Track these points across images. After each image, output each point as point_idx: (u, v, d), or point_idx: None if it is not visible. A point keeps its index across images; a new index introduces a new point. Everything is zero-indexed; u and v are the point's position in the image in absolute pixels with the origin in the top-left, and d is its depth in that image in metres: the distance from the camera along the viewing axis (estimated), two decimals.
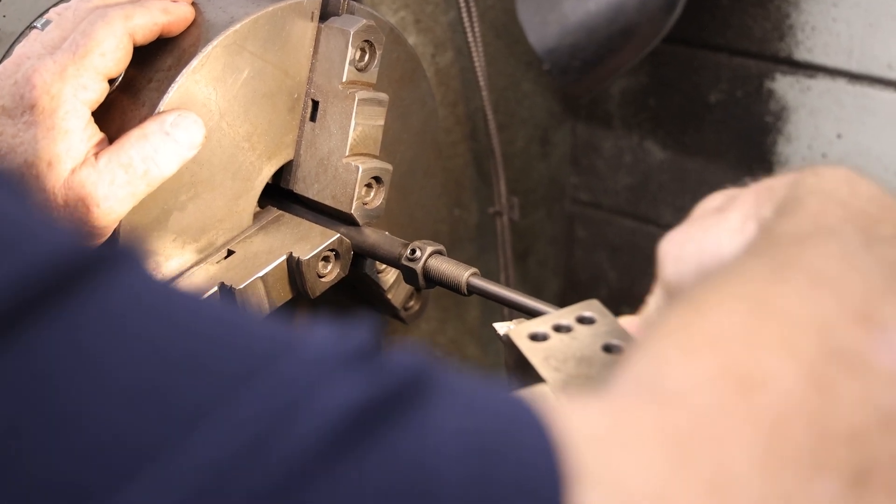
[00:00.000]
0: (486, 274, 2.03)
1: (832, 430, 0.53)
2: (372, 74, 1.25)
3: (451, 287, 1.18)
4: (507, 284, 1.85)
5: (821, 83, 1.79)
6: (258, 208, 1.26)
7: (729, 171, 1.95)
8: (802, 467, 0.52)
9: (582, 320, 0.96)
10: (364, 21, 1.21)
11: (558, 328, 0.95)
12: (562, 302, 2.31)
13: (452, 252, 1.95)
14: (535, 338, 0.94)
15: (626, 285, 2.19)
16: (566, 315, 0.97)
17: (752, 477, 0.51)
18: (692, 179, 2.01)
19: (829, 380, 0.55)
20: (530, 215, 2.01)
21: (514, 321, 1.12)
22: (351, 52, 1.21)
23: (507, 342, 0.96)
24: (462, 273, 1.17)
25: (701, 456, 0.51)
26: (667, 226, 2.16)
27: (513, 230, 1.90)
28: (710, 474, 0.51)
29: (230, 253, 1.21)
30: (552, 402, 0.83)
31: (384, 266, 1.30)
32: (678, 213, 2.05)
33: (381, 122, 1.25)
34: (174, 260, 1.17)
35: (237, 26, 1.15)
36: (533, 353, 0.92)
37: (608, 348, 0.91)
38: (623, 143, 2.06)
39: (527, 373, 0.95)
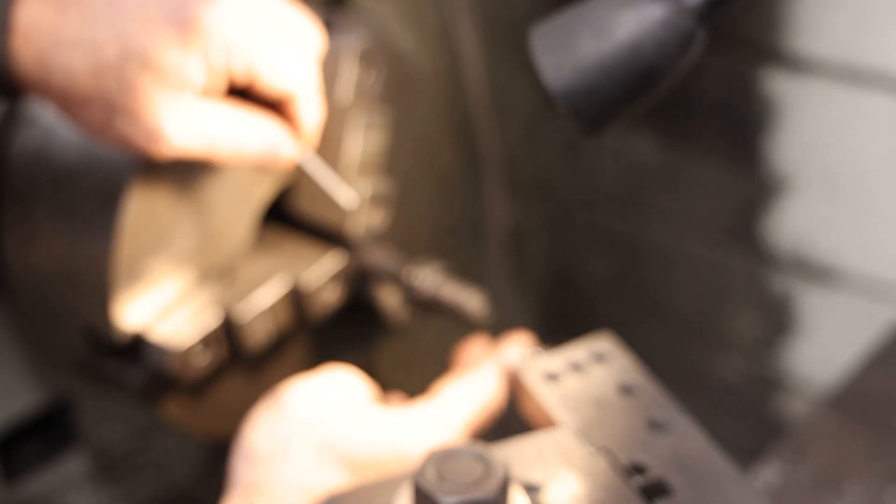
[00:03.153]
0: (478, 276, 2.04)
1: None
2: (373, 92, 1.23)
3: (457, 315, 1.17)
4: (504, 288, 1.85)
5: (812, 79, 1.79)
6: (259, 229, 1.24)
7: (717, 166, 1.94)
8: None
9: (594, 356, 0.95)
10: (364, 40, 1.20)
11: (570, 365, 0.94)
12: (550, 298, 2.32)
13: (443, 254, 1.95)
14: (550, 377, 0.94)
15: (616, 281, 2.19)
16: (578, 350, 0.96)
17: None
18: (681, 175, 2.00)
19: None
20: (520, 212, 2.00)
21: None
22: (351, 72, 1.20)
23: (518, 379, 0.95)
24: (466, 296, 1.16)
25: None
26: (653, 220, 2.16)
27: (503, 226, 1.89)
28: None
29: (229, 275, 1.20)
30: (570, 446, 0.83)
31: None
32: (665, 207, 2.06)
33: (383, 140, 1.24)
34: (175, 282, 1.16)
35: None
36: (546, 393, 0.91)
37: (623, 389, 0.91)
38: (611, 139, 2.05)
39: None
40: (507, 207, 1.85)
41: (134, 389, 1.15)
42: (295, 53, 1.01)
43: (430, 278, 1.19)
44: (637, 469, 0.83)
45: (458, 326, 1.85)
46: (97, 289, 1.08)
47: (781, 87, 1.82)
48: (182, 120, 0.96)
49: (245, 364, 1.25)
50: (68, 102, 0.95)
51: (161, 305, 1.14)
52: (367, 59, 1.20)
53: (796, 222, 1.90)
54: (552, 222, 2.24)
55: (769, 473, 1.28)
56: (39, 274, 1.15)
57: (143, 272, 1.12)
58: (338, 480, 0.92)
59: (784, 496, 1.24)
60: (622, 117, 1.05)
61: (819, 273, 1.91)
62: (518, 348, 1.07)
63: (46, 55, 0.92)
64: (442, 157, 1.85)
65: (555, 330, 2.32)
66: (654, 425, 0.87)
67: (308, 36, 1.03)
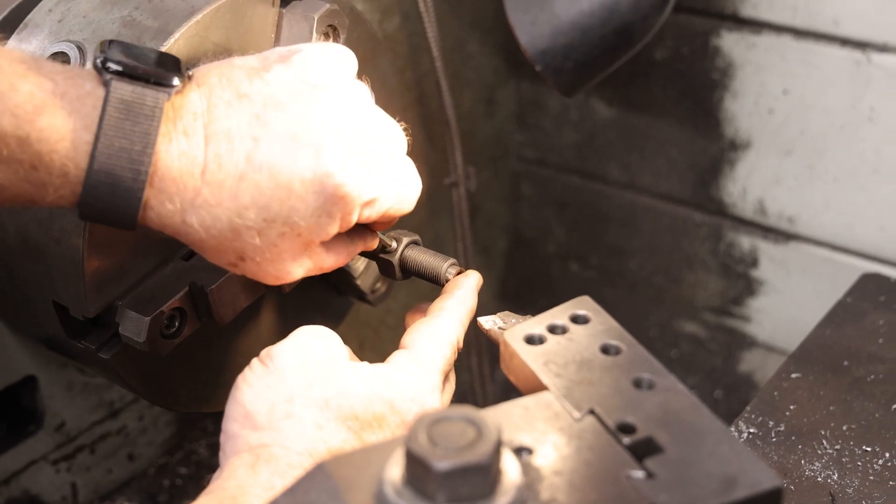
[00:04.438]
0: (438, 238, 2.03)
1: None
2: None
3: (429, 278, 1.16)
4: (465, 253, 1.84)
5: (766, 39, 1.79)
6: None
7: (675, 127, 1.95)
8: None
9: (576, 319, 0.95)
10: (327, 5, 1.18)
11: (553, 329, 0.94)
12: (509, 260, 2.31)
13: (403, 218, 1.94)
14: (531, 340, 0.93)
15: (573, 241, 2.19)
16: (559, 314, 0.96)
17: None
18: (638, 136, 2.00)
19: None
20: (477, 175, 1.99)
21: (498, 314, 1.11)
22: (315, 38, 1.18)
23: (503, 344, 0.95)
24: (441, 265, 1.15)
25: None
26: (613, 182, 2.16)
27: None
28: None
29: None
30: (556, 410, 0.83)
31: None
32: (624, 169, 2.06)
33: None
34: (142, 259, 1.14)
35: (198, 17, 1.11)
36: (532, 357, 0.91)
37: (606, 350, 0.91)
38: (569, 101, 2.05)
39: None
40: (471, 182, 1.84)
41: (105, 361, 1.13)
42: (411, 184, 1.08)
43: (400, 246, 1.17)
44: (626, 429, 0.82)
45: (424, 290, 1.84)
46: (69, 263, 1.06)
47: (737, 49, 1.82)
48: (305, 264, 1.01)
49: (214, 334, 1.24)
50: (201, 247, 0.97)
51: (131, 278, 1.12)
52: (327, 24, 1.19)
53: (755, 181, 1.91)
54: (510, 188, 2.23)
55: (743, 433, 1.29)
56: (6, 250, 1.12)
57: (114, 246, 1.10)
58: (341, 439, 0.91)
59: (759, 455, 1.24)
60: (599, 76, 1.04)
61: (779, 230, 1.92)
62: (497, 315, 1.08)
63: (185, 213, 0.93)
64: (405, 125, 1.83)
65: (516, 295, 2.32)
66: (640, 384, 0.87)
67: (403, 148, 1.07)
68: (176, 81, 0.92)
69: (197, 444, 1.70)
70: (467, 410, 0.75)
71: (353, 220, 1.01)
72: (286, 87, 0.96)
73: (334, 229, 0.99)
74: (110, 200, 0.89)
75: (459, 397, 1.13)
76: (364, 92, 1.02)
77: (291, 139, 0.94)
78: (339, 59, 1.01)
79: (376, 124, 1.02)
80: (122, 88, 0.89)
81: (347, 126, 0.98)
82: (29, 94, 0.87)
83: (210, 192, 0.92)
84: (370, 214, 1.02)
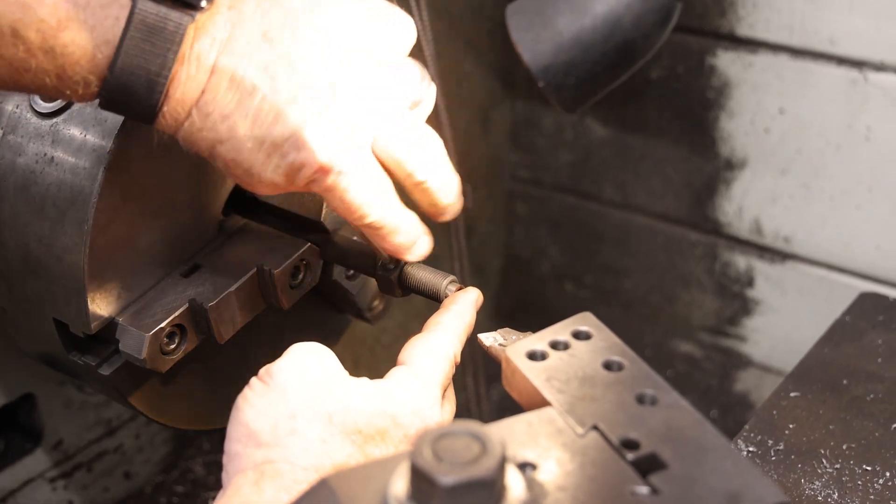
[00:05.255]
0: (434, 257, 2.03)
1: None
2: None
3: (428, 295, 1.16)
4: (461, 272, 1.84)
5: (763, 58, 1.80)
6: (222, 217, 1.22)
7: (671, 146, 1.95)
8: None
9: (578, 335, 0.95)
10: None
11: (555, 345, 0.94)
12: (504, 280, 2.31)
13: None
14: (534, 356, 0.93)
15: (568, 261, 2.20)
16: (561, 330, 0.96)
17: None
18: (634, 155, 2.01)
19: None
20: (472, 198, 2.00)
21: (498, 331, 1.11)
22: None
23: (505, 360, 0.94)
24: (441, 281, 1.15)
25: None
26: (608, 201, 2.16)
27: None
28: None
29: (196, 266, 1.18)
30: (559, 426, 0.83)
31: (352, 270, 1.28)
32: (619, 188, 2.06)
33: None
34: (142, 276, 1.13)
35: None
36: (534, 373, 0.91)
37: (608, 366, 0.91)
38: (564, 120, 2.05)
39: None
40: (469, 200, 1.84)
41: (105, 378, 1.12)
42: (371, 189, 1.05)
43: (400, 263, 1.17)
44: (629, 444, 0.82)
45: (420, 309, 1.83)
46: (70, 279, 1.06)
47: (733, 68, 1.83)
48: None
49: (213, 351, 1.23)
50: (183, 136, 0.97)
51: (131, 295, 1.12)
52: None
53: (751, 200, 1.91)
54: (505, 208, 2.24)
55: (742, 452, 1.28)
56: (6, 267, 1.12)
57: (114, 263, 1.10)
58: (346, 454, 0.90)
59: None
60: (600, 93, 1.05)
61: (775, 250, 1.92)
62: (497, 332, 1.08)
63: (189, 119, 0.95)
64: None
65: (511, 315, 2.32)
66: (643, 400, 0.87)
67: None
68: (204, 3, 0.92)
69: (193, 463, 1.69)
70: (471, 425, 0.75)
71: (289, 184, 1.00)
72: (312, 49, 0.97)
73: (277, 181, 0.99)
74: (127, 105, 0.94)
75: (455, 415, 1.13)
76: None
77: (284, 106, 0.95)
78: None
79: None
80: (147, 9, 0.91)
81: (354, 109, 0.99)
82: (53, 5, 0.89)
83: (199, 116, 0.95)
84: (315, 184, 1.01)
